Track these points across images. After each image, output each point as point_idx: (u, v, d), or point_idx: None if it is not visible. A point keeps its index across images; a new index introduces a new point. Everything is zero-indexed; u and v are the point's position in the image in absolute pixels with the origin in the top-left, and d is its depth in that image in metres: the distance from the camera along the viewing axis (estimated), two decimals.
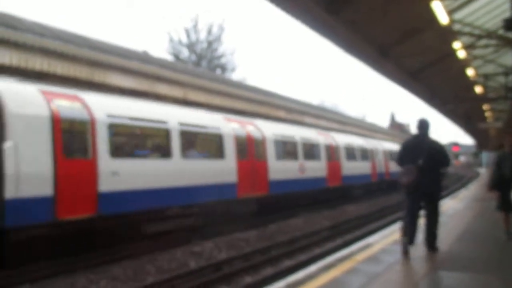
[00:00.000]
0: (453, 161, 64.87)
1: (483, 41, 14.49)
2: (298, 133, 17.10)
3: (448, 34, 13.35)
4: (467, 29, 13.57)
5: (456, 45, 14.19)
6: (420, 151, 6.29)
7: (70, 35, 13.47)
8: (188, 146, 11.41)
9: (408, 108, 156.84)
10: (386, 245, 7.22)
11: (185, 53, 37.72)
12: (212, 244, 10.21)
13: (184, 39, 37.77)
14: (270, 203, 14.61)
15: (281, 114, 24.92)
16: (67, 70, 12.77)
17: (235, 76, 39.68)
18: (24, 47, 11.43)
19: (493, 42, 14.43)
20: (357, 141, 23.46)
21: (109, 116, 9.15)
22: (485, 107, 27.71)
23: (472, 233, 8.40)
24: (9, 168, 7.20)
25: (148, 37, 71.59)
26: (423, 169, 6.14)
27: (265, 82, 61.59)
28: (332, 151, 19.03)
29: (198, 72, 20.75)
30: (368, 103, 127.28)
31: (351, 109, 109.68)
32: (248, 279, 7.73)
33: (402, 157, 6.58)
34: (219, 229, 11.45)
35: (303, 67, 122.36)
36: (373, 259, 6.25)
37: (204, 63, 37.60)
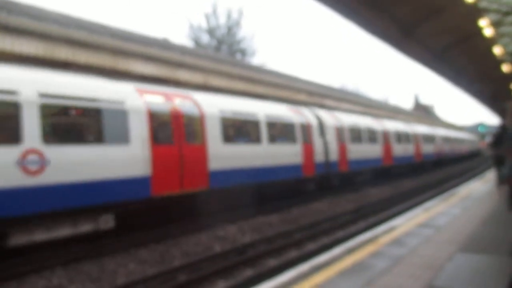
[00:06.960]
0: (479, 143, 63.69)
1: (511, 18, 14.05)
2: (262, 110, 13.32)
3: (474, 11, 12.99)
4: (494, 6, 13.17)
5: (483, 22, 13.81)
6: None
7: (93, 24, 13.66)
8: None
9: (432, 89, 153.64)
10: (410, 228, 7.21)
11: (205, 38, 37.81)
12: (236, 228, 10.37)
13: (204, 25, 37.85)
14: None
15: (302, 97, 24.81)
16: (91, 59, 13.00)
17: (255, 60, 39.65)
18: (50, 37, 11.66)
19: None
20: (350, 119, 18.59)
21: None
22: None
23: (497, 216, 8.28)
24: None
25: (168, 24, 71.68)
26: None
27: (285, 66, 61.07)
28: (309, 132, 15.27)
29: (218, 57, 20.78)
30: (391, 85, 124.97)
31: (374, 92, 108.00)
32: (272, 262, 7.85)
33: (496, 140, 10.75)
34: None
35: (324, 50, 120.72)
36: (397, 242, 6.26)
37: (224, 48, 37.61)
